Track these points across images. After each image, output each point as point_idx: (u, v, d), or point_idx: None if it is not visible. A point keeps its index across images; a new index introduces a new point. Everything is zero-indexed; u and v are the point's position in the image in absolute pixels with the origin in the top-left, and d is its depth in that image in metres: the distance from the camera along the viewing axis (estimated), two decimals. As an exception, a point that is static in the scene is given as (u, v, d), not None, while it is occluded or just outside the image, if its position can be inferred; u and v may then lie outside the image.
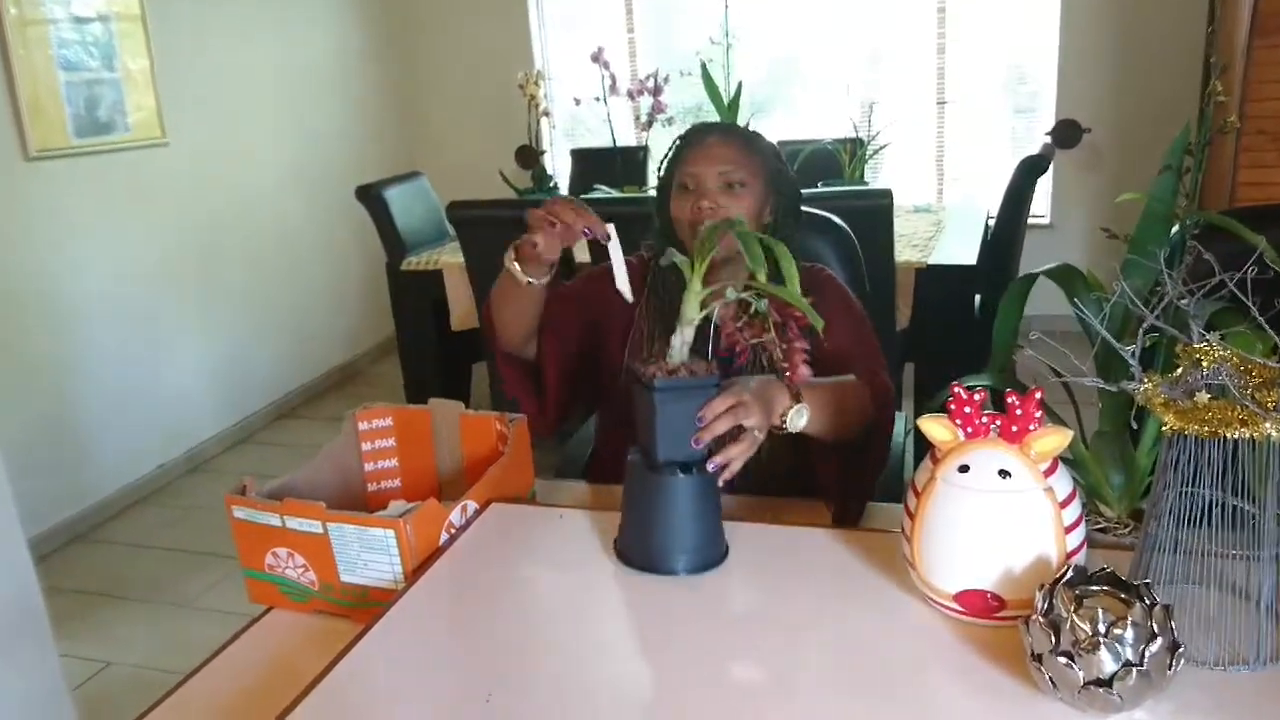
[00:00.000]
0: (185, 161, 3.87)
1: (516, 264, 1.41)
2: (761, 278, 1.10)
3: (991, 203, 3.82)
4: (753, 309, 1.22)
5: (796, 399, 1.24)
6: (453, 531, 1.27)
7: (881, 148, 3.94)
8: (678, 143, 1.59)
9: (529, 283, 1.42)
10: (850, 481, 1.40)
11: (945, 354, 2.95)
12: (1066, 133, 4.53)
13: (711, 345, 1.17)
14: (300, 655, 1.20)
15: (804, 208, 1.97)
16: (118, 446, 3.56)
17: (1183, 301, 0.99)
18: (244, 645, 1.25)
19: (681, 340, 1.15)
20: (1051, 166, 4.47)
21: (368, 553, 1.21)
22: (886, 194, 2.78)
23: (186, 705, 1.13)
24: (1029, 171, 3.43)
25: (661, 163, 1.62)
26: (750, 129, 1.61)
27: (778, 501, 1.45)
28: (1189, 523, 0.93)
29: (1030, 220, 4.02)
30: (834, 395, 1.34)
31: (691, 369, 1.14)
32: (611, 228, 1.30)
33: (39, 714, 2.01)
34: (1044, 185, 4.59)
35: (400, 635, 1.09)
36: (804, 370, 1.20)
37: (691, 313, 1.15)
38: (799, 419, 1.24)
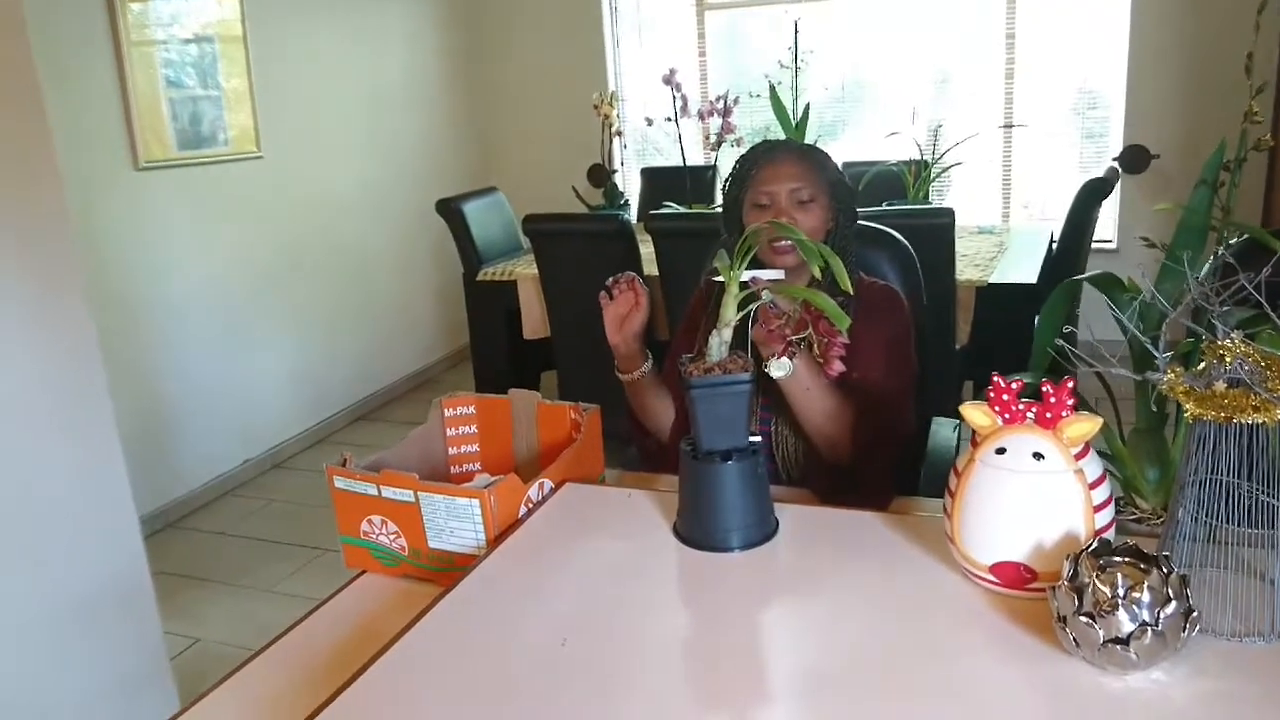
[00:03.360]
0: (277, 174, 4.09)
1: (616, 367, 1.67)
2: (816, 273, 1.20)
3: (1057, 227, 3.86)
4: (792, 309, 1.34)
5: (790, 357, 1.38)
6: (530, 506, 1.39)
7: (947, 168, 4.00)
8: (742, 162, 1.70)
9: (619, 377, 1.68)
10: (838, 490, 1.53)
11: (1004, 371, 2.99)
12: (1134, 158, 4.55)
13: (749, 342, 1.28)
14: (392, 614, 1.33)
15: (866, 223, 2.08)
16: (207, 441, 3.78)
17: (1212, 303, 1.07)
18: (336, 605, 1.39)
19: (720, 340, 1.26)
20: (1119, 191, 4.49)
21: (454, 521, 1.33)
22: (948, 212, 2.85)
23: (284, 657, 1.26)
24: (1091, 195, 3.47)
25: (727, 181, 1.73)
26: (810, 145, 1.72)
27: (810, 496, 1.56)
28: (1211, 509, 1.01)
29: (1096, 244, 4.05)
30: (832, 398, 1.50)
31: (726, 366, 1.25)
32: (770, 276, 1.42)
33: (144, 679, 2.18)
34: (1110, 210, 4.61)
35: (483, 592, 1.20)
36: (837, 365, 1.32)
37: (729, 314, 1.26)
38: (778, 369, 1.38)
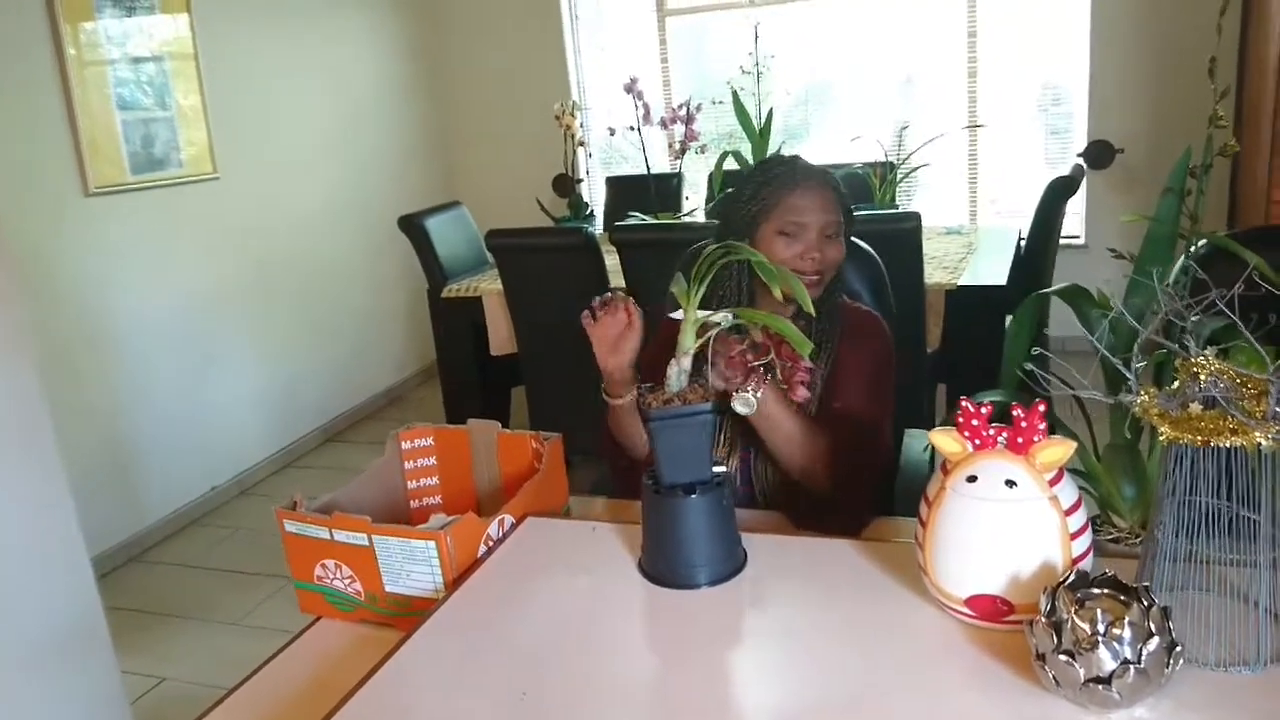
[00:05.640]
0: (235, 194, 4.01)
1: (605, 390, 1.51)
2: (779, 295, 1.16)
3: (1025, 224, 3.85)
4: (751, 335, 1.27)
5: (756, 389, 1.32)
6: (490, 544, 1.34)
7: (913, 170, 3.98)
8: (763, 182, 1.56)
9: (605, 401, 1.53)
10: (817, 512, 1.48)
11: (976, 374, 2.97)
12: (1099, 153, 4.55)
13: (710, 369, 1.23)
14: (347, 662, 1.27)
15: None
16: (171, 470, 3.69)
17: (1184, 318, 1.04)
18: (293, 654, 1.33)
19: (678, 369, 1.20)
20: (1085, 187, 4.48)
21: (411, 564, 1.28)
22: (914, 217, 2.82)
23: (240, 710, 1.20)
24: (1058, 192, 3.45)
25: (733, 192, 1.62)
26: (828, 171, 1.61)
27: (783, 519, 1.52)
28: (1191, 530, 0.98)
29: (1064, 241, 4.04)
30: (798, 427, 1.43)
31: (686, 397, 1.19)
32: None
33: (100, 724, 2.10)
34: (1077, 206, 4.60)
35: (440, 640, 1.15)
36: (801, 391, 1.26)
37: (687, 342, 1.20)
38: (742, 406, 1.33)
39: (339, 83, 4.74)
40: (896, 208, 3.82)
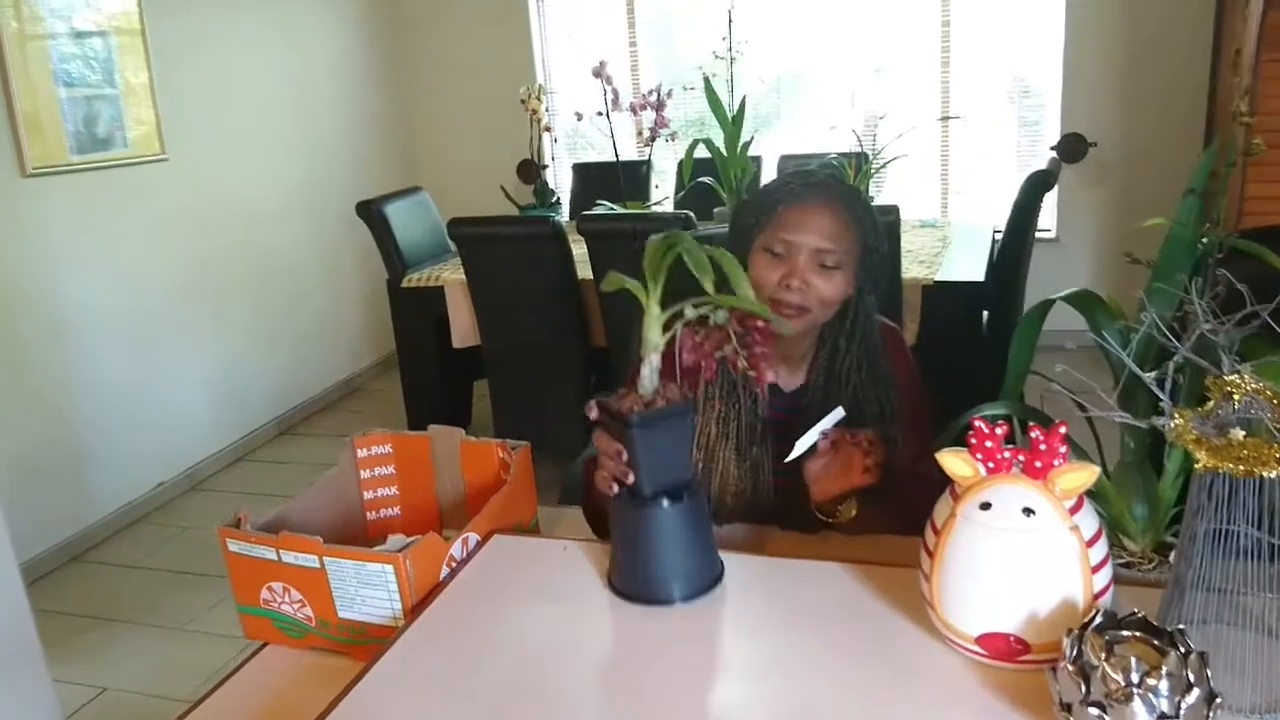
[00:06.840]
0: (185, 177, 3.84)
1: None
2: (709, 287, 1.06)
3: (997, 217, 3.79)
4: (710, 321, 1.15)
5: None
6: (453, 565, 1.24)
7: (888, 162, 3.90)
8: (769, 192, 1.42)
9: None
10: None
11: (954, 372, 2.90)
12: (1072, 147, 4.50)
13: (678, 366, 1.13)
14: (297, 693, 1.17)
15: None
16: (116, 465, 3.53)
17: (1212, 331, 0.96)
18: (239, 683, 1.22)
19: (650, 368, 1.11)
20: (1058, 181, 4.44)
21: (366, 588, 1.17)
22: (893, 210, 2.75)
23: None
24: (1036, 187, 3.39)
25: (740, 204, 1.51)
26: (854, 189, 1.45)
27: (769, 530, 1.41)
28: (1223, 561, 0.90)
29: (1036, 235, 3.99)
30: (897, 508, 1.28)
31: (666, 397, 1.10)
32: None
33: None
34: (1049, 199, 4.56)
35: (402, 673, 1.05)
36: (770, 374, 1.15)
37: (655, 338, 1.11)
38: (851, 510, 1.31)
39: (295, 62, 4.57)
40: (870, 200, 3.73)
